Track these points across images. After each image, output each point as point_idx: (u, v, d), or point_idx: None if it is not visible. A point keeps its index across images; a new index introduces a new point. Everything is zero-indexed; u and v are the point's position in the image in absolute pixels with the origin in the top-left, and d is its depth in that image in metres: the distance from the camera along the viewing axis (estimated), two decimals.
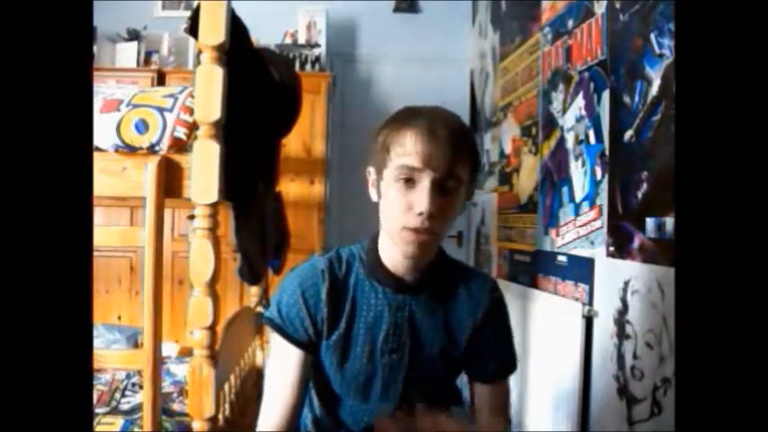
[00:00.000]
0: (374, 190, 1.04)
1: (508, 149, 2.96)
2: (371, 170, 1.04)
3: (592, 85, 2.02)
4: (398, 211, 0.96)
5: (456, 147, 0.95)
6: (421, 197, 0.94)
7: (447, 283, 1.09)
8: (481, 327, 1.09)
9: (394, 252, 1.03)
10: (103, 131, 1.43)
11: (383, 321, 1.05)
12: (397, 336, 1.05)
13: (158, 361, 1.38)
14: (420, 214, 0.94)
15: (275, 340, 1.09)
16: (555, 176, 2.32)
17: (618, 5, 1.85)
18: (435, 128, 0.94)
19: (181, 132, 1.43)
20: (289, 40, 3.46)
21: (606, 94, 1.91)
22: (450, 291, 1.09)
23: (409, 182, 0.95)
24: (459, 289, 1.10)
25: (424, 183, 0.94)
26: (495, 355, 1.13)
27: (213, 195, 1.35)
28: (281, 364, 1.08)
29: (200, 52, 1.37)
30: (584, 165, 2.07)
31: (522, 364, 2.48)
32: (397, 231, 0.98)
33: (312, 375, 1.13)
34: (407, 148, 0.94)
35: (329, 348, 1.07)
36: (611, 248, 1.86)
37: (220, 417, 1.49)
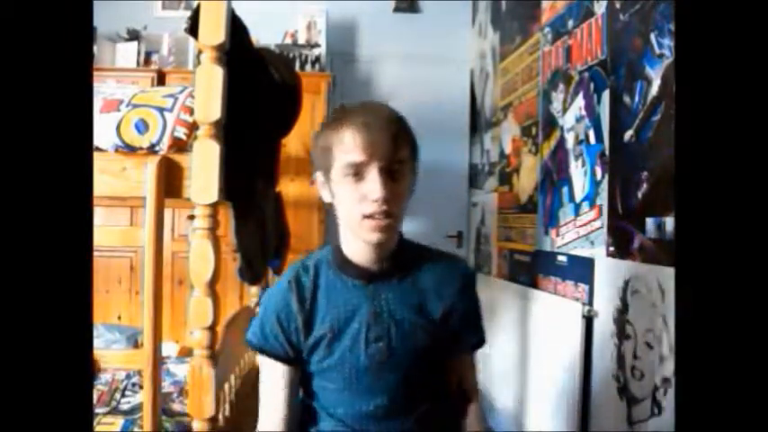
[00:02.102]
0: (326, 192, 1.08)
1: (508, 149, 2.96)
2: (318, 174, 1.07)
3: (592, 85, 2.02)
4: (353, 205, 1.01)
5: (392, 132, 1.01)
6: (373, 186, 0.99)
7: (415, 266, 1.13)
8: (454, 305, 1.13)
9: (357, 245, 1.07)
10: (103, 131, 1.43)
11: (362, 312, 1.09)
12: (379, 324, 1.08)
13: (158, 361, 1.38)
14: (375, 201, 0.99)
15: (261, 360, 1.14)
16: (555, 176, 2.32)
17: (618, 5, 1.85)
18: (369, 120, 1.00)
19: (181, 132, 1.43)
20: (289, 40, 3.46)
21: (606, 94, 1.91)
22: (419, 273, 1.13)
23: (357, 175, 1.00)
24: (428, 270, 1.14)
25: (372, 173, 0.99)
26: (469, 330, 1.17)
27: (213, 195, 1.35)
28: (269, 381, 1.12)
29: (200, 52, 1.37)
30: (584, 165, 2.07)
31: (522, 364, 2.49)
32: (358, 222, 1.02)
33: (302, 380, 1.16)
34: (348, 145, 0.99)
35: (313, 349, 1.10)
36: (611, 248, 1.86)
37: (220, 417, 1.49)
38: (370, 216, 1.00)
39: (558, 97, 2.32)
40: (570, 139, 2.19)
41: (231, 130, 1.39)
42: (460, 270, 1.17)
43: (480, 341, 1.19)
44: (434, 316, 1.11)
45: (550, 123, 2.39)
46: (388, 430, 1.11)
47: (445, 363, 1.18)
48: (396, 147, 1.01)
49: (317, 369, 1.11)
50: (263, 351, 1.11)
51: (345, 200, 1.02)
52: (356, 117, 1.01)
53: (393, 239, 1.09)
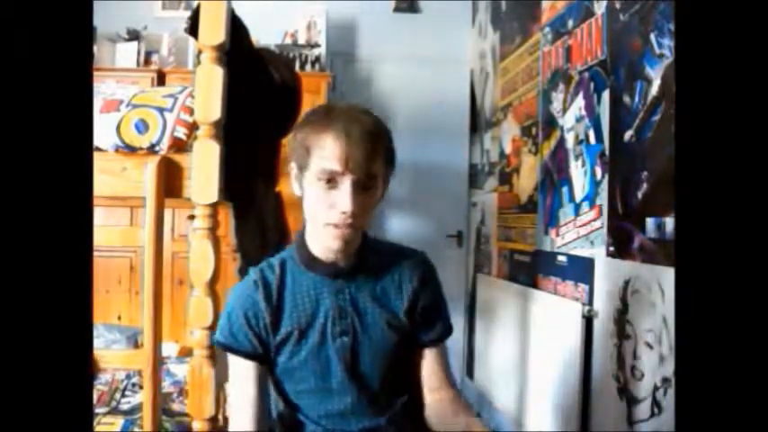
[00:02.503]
0: (297, 184, 1.09)
1: (508, 149, 2.96)
2: (293, 165, 1.08)
3: (592, 85, 2.02)
4: (321, 209, 1.03)
5: (372, 147, 1.01)
6: (343, 198, 1.00)
7: (379, 261, 1.15)
8: (416, 297, 1.15)
9: (321, 243, 1.09)
10: (103, 131, 1.43)
11: (327, 307, 1.10)
12: (343, 318, 1.10)
13: (158, 361, 1.38)
14: (343, 213, 1.00)
15: (229, 359, 1.13)
16: (555, 176, 2.32)
17: (618, 5, 1.85)
18: (351, 130, 1.00)
19: (181, 132, 1.43)
20: (289, 40, 3.45)
21: (606, 94, 1.91)
22: (383, 268, 1.15)
23: (330, 182, 1.01)
24: (391, 265, 1.16)
25: (345, 184, 1.00)
26: (434, 320, 1.18)
27: (213, 195, 1.35)
28: (239, 379, 1.12)
29: (200, 52, 1.37)
30: (584, 165, 2.07)
31: (522, 364, 2.49)
32: (321, 227, 1.04)
33: (270, 376, 1.16)
34: (327, 152, 1.00)
35: (281, 346, 1.11)
36: (611, 248, 1.86)
37: (220, 417, 1.49)
38: (334, 225, 1.02)
39: (558, 97, 2.32)
40: (570, 139, 2.19)
41: (231, 130, 1.39)
42: (419, 262, 1.18)
43: (446, 331, 1.19)
44: (398, 310, 1.13)
45: (550, 123, 2.39)
46: (364, 430, 1.11)
47: (414, 357, 1.18)
48: (372, 161, 1.01)
49: (287, 368, 1.11)
50: (231, 350, 1.11)
51: (314, 202, 1.04)
52: (339, 123, 1.01)
53: (355, 242, 1.10)
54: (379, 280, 1.14)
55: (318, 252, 1.10)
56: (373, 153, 1.02)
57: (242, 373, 1.11)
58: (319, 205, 1.03)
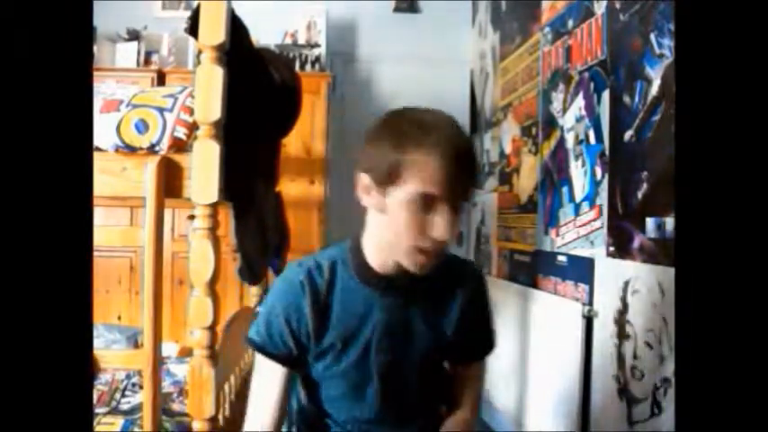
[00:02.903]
0: (369, 199, 0.99)
1: (508, 149, 2.96)
2: (366, 177, 0.97)
3: (592, 85, 2.02)
4: (411, 233, 0.95)
5: (473, 170, 0.97)
6: (440, 224, 0.93)
7: (431, 275, 1.07)
8: (467, 315, 1.11)
9: (385, 258, 1.02)
10: (103, 131, 1.43)
11: (375, 322, 1.05)
12: (390, 336, 1.06)
13: (158, 361, 1.38)
14: (439, 240, 0.94)
15: (258, 358, 1.10)
16: (555, 176, 2.32)
17: (618, 5, 1.85)
18: (454, 152, 0.92)
19: (181, 132, 1.43)
20: (289, 40, 3.45)
21: (606, 94, 1.91)
22: (435, 283, 1.09)
23: (425, 206, 0.93)
24: (443, 280, 1.10)
25: (444, 210, 0.93)
26: (481, 337, 1.16)
27: (213, 195, 1.35)
28: (265, 382, 1.09)
29: (200, 52, 1.37)
30: (584, 165, 2.07)
31: (521, 364, 2.49)
32: (408, 250, 0.97)
33: (300, 377, 1.14)
34: (427, 175, 0.91)
35: (321, 355, 1.07)
36: (611, 248, 1.86)
37: (220, 417, 1.49)
38: (425, 250, 0.95)
39: (558, 97, 2.32)
40: (570, 139, 2.19)
41: (231, 131, 1.39)
42: (471, 276, 1.14)
43: (489, 349, 1.17)
44: (447, 328, 1.09)
45: (550, 123, 2.39)
46: None
47: (454, 370, 1.15)
48: (472, 187, 0.97)
49: (323, 375, 1.09)
50: (264, 352, 1.07)
51: (402, 225, 0.95)
52: (440, 143, 0.91)
53: None
54: (431, 297, 1.09)
55: (377, 265, 1.03)
56: (473, 179, 0.97)
57: (269, 375, 1.08)
58: (409, 229, 0.94)
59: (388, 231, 0.98)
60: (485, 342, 1.17)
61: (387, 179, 0.94)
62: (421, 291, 1.08)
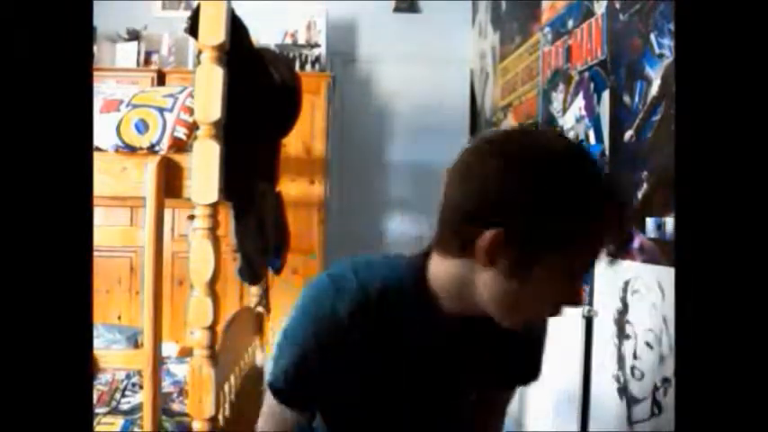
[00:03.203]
0: (493, 258, 0.76)
1: None
2: (496, 233, 0.74)
3: (592, 85, 2.02)
4: (550, 302, 0.80)
5: None
6: (576, 287, 0.80)
7: None
8: (528, 344, 1.01)
9: (463, 306, 0.86)
10: (103, 131, 1.44)
11: (435, 358, 0.90)
12: (451, 371, 0.92)
13: (158, 361, 1.38)
14: (571, 304, 0.80)
15: (272, 402, 0.91)
16: None
17: (618, 5, 1.85)
18: (623, 211, 0.82)
19: (181, 132, 1.43)
20: (289, 40, 3.46)
21: (606, 94, 1.91)
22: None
23: (572, 273, 0.79)
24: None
25: (581, 274, 0.80)
26: (531, 366, 1.05)
27: (213, 195, 1.35)
28: (275, 423, 0.92)
29: (200, 52, 1.37)
30: None
31: None
32: (523, 313, 0.82)
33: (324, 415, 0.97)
34: (598, 243, 0.78)
35: (361, 395, 0.91)
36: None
37: (220, 417, 1.49)
38: (544, 316, 0.84)
39: (557, 97, 2.32)
40: None
41: (231, 131, 1.39)
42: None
43: (535, 377, 1.06)
44: (509, 358, 0.96)
45: (550, 123, 2.39)
46: None
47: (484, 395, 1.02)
48: None
49: (347, 416, 0.94)
50: (287, 401, 0.89)
51: (542, 294, 0.78)
52: (620, 208, 0.78)
53: None
54: (492, 334, 0.89)
55: (447, 303, 0.85)
56: None
57: (283, 420, 0.91)
58: (551, 298, 0.79)
59: (508, 296, 0.79)
60: (532, 371, 1.06)
61: (545, 246, 0.74)
62: (486, 327, 0.89)
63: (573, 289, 0.79)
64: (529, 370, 1.06)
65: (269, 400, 0.92)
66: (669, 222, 1.55)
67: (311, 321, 0.84)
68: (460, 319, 0.86)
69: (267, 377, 0.90)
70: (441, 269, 0.84)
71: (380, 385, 0.88)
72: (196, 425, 1.36)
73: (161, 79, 3.23)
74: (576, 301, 0.78)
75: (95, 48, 3.29)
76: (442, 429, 0.97)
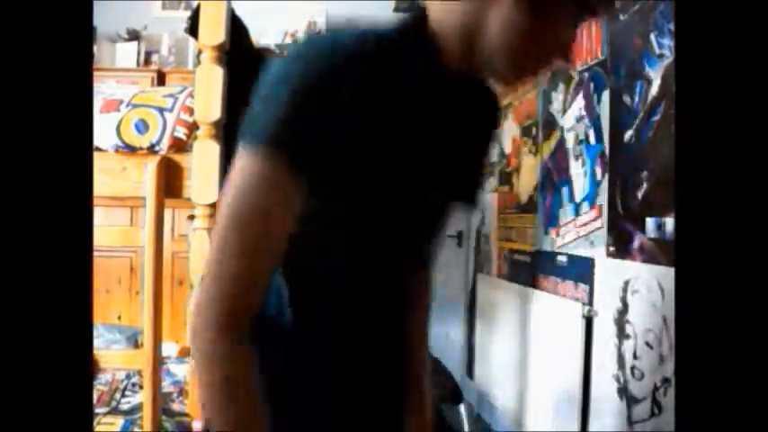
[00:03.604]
0: None
1: (508, 149, 2.96)
2: None
3: (592, 85, 2.02)
4: (553, 46, 0.76)
5: None
6: (567, 40, 0.77)
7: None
8: (482, 147, 0.96)
9: (467, 56, 0.78)
10: (103, 131, 1.44)
11: (429, 111, 0.79)
12: (441, 134, 0.81)
13: (158, 361, 1.38)
14: (563, 63, 0.77)
15: (254, 163, 0.69)
16: (555, 176, 2.32)
17: (618, 5, 1.85)
18: None
19: (181, 132, 1.43)
20: (289, 40, 3.46)
21: (606, 94, 1.91)
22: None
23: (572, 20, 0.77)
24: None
25: (575, 31, 0.77)
26: (475, 183, 1.01)
27: (213, 195, 1.35)
28: (263, 195, 0.68)
29: (200, 52, 1.37)
30: (584, 165, 2.07)
31: (522, 363, 2.49)
32: (527, 65, 0.78)
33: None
34: None
35: (354, 155, 0.72)
36: (612, 248, 1.86)
37: None
38: (541, 66, 0.78)
39: (557, 97, 2.32)
40: (570, 139, 2.19)
41: (231, 131, 1.39)
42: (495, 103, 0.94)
43: (475, 198, 1.02)
44: (471, 165, 0.94)
45: (550, 123, 2.39)
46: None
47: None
48: None
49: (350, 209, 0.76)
50: (291, 157, 0.68)
51: (541, 35, 0.74)
52: None
53: None
54: (479, 109, 0.90)
55: (449, 53, 0.78)
56: None
57: (274, 189, 0.68)
58: (545, 45, 0.75)
59: (517, 29, 0.73)
60: (474, 188, 0.98)
61: None
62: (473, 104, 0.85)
63: (567, 40, 0.76)
64: (477, 181, 1.00)
65: (251, 160, 0.69)
66: (669, 222, 1.55)
67: (303, 62, 0.71)
68: (458, 76, 0.79)
69: (244, 140, 0.71)
70: (445, 12, 0.78)
71: (373, 142, 0.73)
72: (196, 425, 1.36)
73: (161, 79, 3.23)
74: (567, 55, 0.76)
75: (95, 48, 3.29)
76: (420, 231, 0.87)
